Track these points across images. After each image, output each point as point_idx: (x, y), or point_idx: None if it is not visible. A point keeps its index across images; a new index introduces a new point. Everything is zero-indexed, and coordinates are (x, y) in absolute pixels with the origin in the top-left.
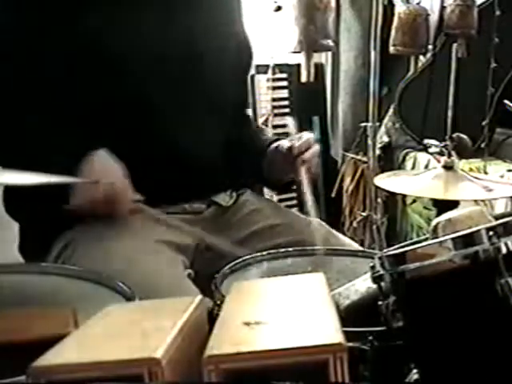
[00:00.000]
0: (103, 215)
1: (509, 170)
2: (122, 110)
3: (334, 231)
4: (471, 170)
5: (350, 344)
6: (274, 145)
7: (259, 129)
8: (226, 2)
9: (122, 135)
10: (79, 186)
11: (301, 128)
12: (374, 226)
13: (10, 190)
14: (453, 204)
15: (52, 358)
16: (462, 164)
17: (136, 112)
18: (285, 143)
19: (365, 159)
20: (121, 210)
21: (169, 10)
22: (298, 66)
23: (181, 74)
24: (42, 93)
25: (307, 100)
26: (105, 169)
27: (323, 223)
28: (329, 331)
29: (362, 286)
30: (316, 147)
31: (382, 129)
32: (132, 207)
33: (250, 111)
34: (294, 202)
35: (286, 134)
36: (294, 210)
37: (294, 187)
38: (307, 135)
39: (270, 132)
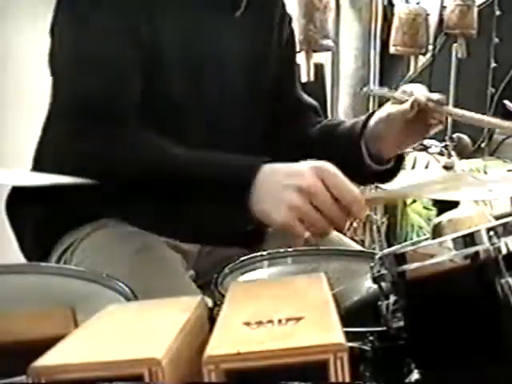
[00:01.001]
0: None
1: (509, 170)
2: None
3: (340, 235)
4: (471, 170)
5: (351, 344)
6: (381, 115)
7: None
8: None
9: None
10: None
11: None
12: (374, 226)
13: (12, 191)
14: (453, 204)
15: (52, 358)
16: (462, 164)
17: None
18: (393, 107)
19: None
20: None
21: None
22: (298, 66)
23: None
24: None
25: None
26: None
27: None
28: (329, 331)
29: (362, 285)
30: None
31: None
32: None
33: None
34: None
35: None
36: None
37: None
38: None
39: None
